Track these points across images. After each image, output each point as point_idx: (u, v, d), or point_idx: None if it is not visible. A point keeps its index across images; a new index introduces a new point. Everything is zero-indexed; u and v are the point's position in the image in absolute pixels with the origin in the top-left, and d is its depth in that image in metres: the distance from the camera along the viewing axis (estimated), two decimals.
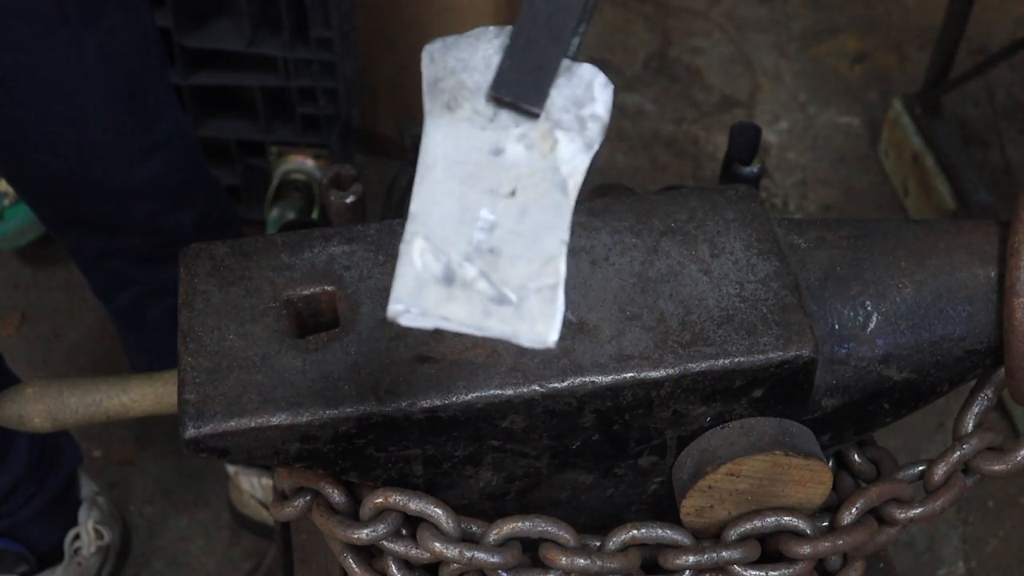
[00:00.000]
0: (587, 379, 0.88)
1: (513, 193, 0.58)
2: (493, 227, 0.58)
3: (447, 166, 0.58)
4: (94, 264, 1.75)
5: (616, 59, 2.86)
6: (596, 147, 0.60)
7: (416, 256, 0.57)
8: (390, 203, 1.33)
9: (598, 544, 0.92)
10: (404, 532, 0.90)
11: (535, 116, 0.59)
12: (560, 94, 0.59)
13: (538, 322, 0.57)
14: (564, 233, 0.57)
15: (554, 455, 0.92)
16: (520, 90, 0.58)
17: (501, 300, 0.57)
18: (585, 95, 0.60)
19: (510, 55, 0.59)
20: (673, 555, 0.92)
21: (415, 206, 0.58)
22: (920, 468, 0.99)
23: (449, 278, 0.58)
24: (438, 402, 0.86)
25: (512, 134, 0.58)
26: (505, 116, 0.59)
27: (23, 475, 1.73)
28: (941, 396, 0.98)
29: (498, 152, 0.58)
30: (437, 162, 0.58)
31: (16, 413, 0.96)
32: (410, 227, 0.58)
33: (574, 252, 0.95)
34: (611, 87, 0.62)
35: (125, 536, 2.00)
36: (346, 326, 0.90)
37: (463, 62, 0.59)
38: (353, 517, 0.91)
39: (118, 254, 1.69)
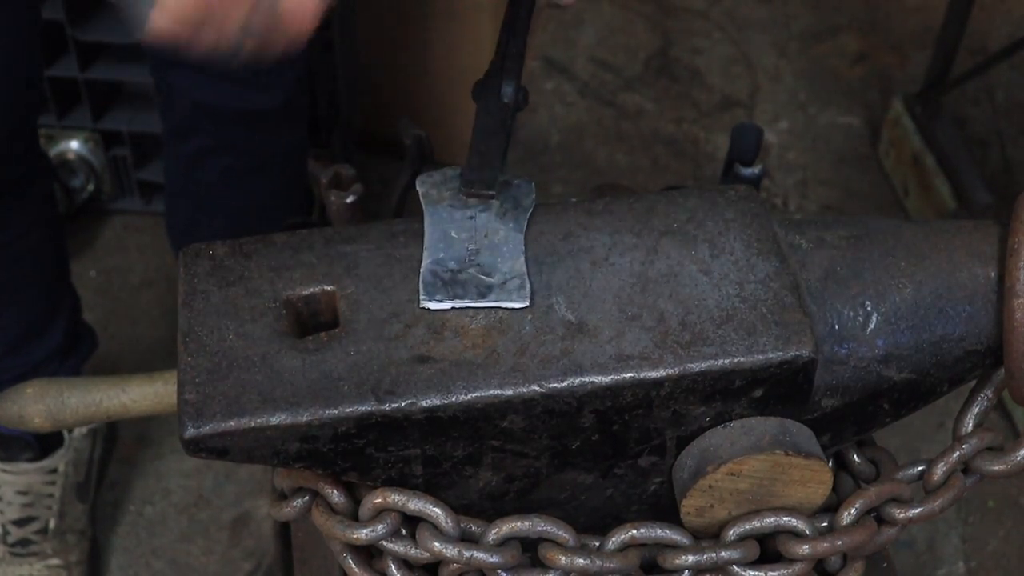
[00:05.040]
0: (587, 379, 0.88)
1: (486, 236, 0.96)
2: (475, 253, 0.94)
3: (442, 228, 0.96)
4: (181, 107, 1.80)
5: (616, 59, 2.86)
6: (531, 208, 0.98)
7: (430, 272, 0.93)
8: (390, 203, 1.33)
9: (598, 544, 0.92)
10: (403, 532, 0.90)
11: (492, 196, 0.97)
12: (503, 195, 0.98)
13: (515, 295, 0.91)
14: (521, 247, 0.95)
15: (554, 455, 0.92)
16: (479, 183, 0.96)
17: (490, 286, 0.92)
18: (517, 190, 0.99)
19: (468, 167, 0.97)
20: (672, 555, 0.92)
21: (427, 253, 0.94)
22: (920, 468, 0.99)
23: (453, 280, 0.92)
24: (437, 402, 0.86)
25: (478, 209, 0.97)
26: (472, 201, 0.97)
27: (52, 354, 1.79)
28: (941, 396, 0.98)
29: (472, 218, 0.97)
30: (437, 227, 0.96)
31: (16, 413, 0.96)
32: (425, 257, 0.94)
33: (574, 252, 0.95)
34: (532, 184, 0.99)
35: (111, 423, 2.06)
36: (346, 326, 0.90)
37: (438, 182, 0.98)
38: (353, 517, 0.91)
39: (206, 104, 1.75)
